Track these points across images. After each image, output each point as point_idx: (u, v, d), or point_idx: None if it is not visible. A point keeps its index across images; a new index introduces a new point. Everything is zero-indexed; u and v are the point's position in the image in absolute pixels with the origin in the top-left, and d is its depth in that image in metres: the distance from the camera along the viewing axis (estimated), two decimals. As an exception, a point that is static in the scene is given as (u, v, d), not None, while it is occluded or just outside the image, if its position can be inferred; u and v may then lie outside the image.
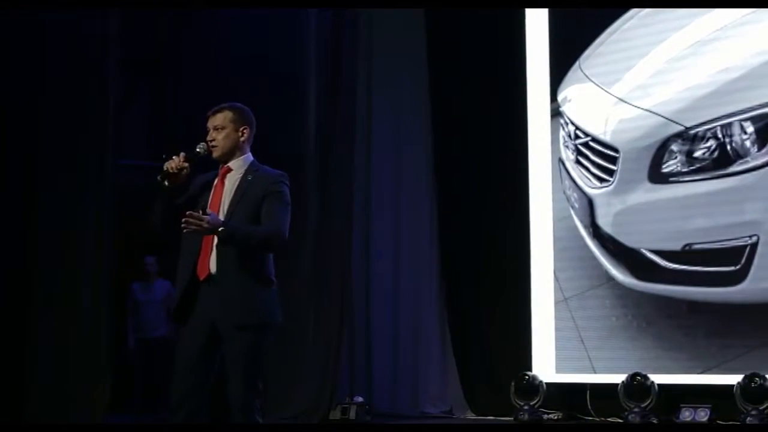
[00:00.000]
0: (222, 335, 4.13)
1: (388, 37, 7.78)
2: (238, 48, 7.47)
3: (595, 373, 6.93)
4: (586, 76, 7.06)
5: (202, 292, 4.20)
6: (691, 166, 6.59)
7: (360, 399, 7.43)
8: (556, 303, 7.13)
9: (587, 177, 7.01)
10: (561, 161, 7.18)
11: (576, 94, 7.13)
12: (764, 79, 6.37)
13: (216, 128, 4.38)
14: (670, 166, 6.65)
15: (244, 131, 4.38)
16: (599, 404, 6.86)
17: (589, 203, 7.01)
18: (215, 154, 4.33)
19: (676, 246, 6.64)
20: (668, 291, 6.69)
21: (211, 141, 4.34)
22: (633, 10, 6.94)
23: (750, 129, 6.39)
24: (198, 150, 4.29)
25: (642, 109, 6.76)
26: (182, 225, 4.04)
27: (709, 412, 6.37)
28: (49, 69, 6.61)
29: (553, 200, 7.22)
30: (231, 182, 4.33)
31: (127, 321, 7.70)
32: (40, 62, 6.59)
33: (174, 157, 4.23)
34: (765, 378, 6.15)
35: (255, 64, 7.41)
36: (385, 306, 7.74)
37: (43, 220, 6.55)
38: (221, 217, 4.20)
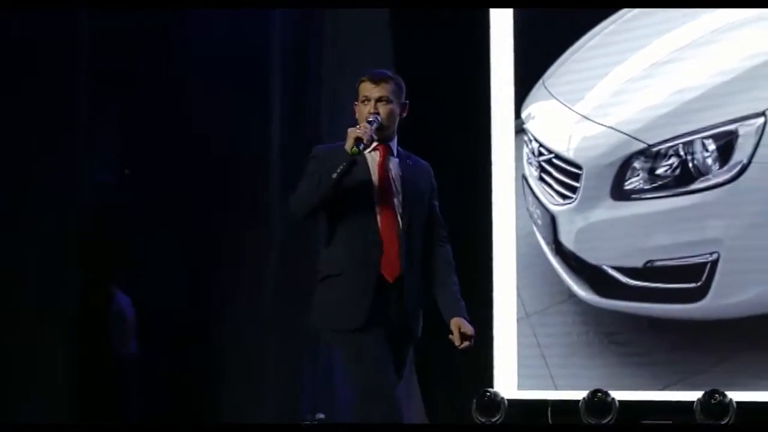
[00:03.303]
0: (399, 339, 4.01)
1: (356, 44, 7.70)
2: (204, 51, 7.38)
3: (556, 389, 6.94)
4: (550, 93, 7.10)
5: (389, 296, 3.95)
6: (654, 183, 6.63)
7: (322, 416, 7.38)
8: (519, 320, 7.13)
9: (550, 194, 7.04)
10: (524, 178, 7.20)
11: (540, 111, 7.17)
12: (725, 98, 6.43)
13: (381, 100, 4.03)
14: (633, 183, 6.69)
15: (405, 107, 4.09)
16: (561, 420, 6.86)
17: (552, 220, 7.03)
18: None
19: (638, 263, 6.67)
20: (630, 308, 6.72)
21: (374, 113, 3.99)
22: (597, 28, 6.98)
23: (711, 147, 6.44)
24: (379, 121, 3.98)
25: (605, 126, 6.80)
26: None
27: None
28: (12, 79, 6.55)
29: (517, 217, 7.23)
30: (394, 167, 4.05)
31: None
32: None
33: (362, 125, 3.96)
34: (725, 394, 6.18)
35: (221, 68, 7.33)
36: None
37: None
38: (401, 208, 4.00)
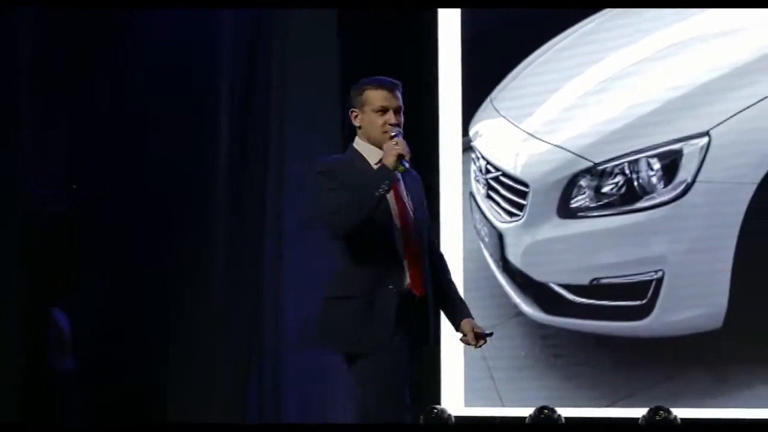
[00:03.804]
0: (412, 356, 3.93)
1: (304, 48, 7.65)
2: (151, 56, 7.31)
3: (503, 406, 6.95)
4: (498, 112, 7.14)
5: (412, 314, 3.89)
6: (599, 201, 6.68)
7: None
8: (466, 337, 7.13)
9: (497, 211, 7.07)
10: (472, 195, 7.23)
11: (487, 129, 7.20)
12: (675, 113, 6.49)
13: (399, 110, 3.96)
14: (579, 201, 6.74)
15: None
16: (507, 437, 6.89)
17: (499, 237, 7.05)
18: None
19: (584, 280, 6.71)
20: (576, 325, 6.75)
21: (395, 125, 3.90)
22: (548, 44, 7.02)
23: (656, 166, 6.50)
24: (399, 134, 3.90)
25: (552, 144, 6.85)
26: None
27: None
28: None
29: (464, 234, 7.25)
30: (401, 182, 4.01)
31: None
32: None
33: (399, 141, 3.86)
34: (669, 411, 6.22)
35: (167, 72, 7.27)
36: (294, 334, 7.63)
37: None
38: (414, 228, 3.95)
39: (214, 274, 7.31)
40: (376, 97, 4.01)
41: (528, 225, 6.92)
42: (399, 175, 3.93)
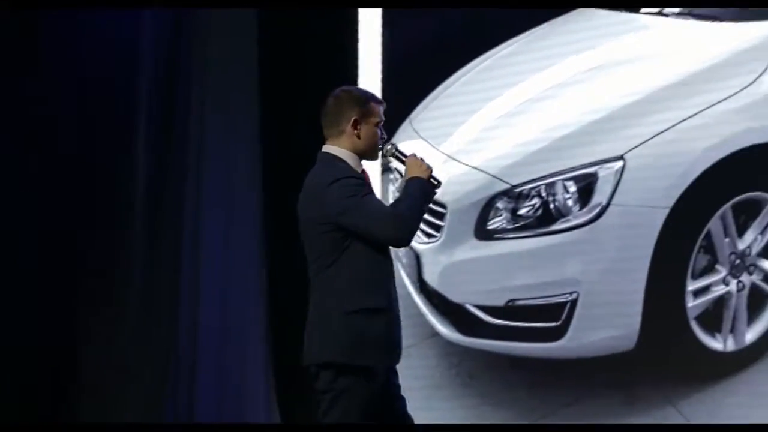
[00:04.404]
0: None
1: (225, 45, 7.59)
2: (69, 51, 7.20)
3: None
4: (417, 133, 7.17)
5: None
6: (516, 223, 6.73)
7: None
8: (382, 357, 7.14)
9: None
10: (390, 216, 7.22)
11: (406, 150, 7.18)
12: (591, 136, 6.58)
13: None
14: (496, 223, 6.78)
15: None
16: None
17: (417, 258, 7.07)
18: None
19: (500, 302, 6.75)
20: (492, 346, 6.79)
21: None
22: (470, 65, 7.08)
23: (572, 188, 6.57)
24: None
25: (470, 166, 6.89)
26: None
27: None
28: None
29: (382, 255, 7.25)
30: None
31: None
32: None
33: (423, 161, 4.33)
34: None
35: (85, 68, 7.18)
36: (212, 341, 7.52)
37: None
38: None
39: (131, 278, 7.21)
40: (378, 111, 4.32)
41: (445, 246, 6.94)
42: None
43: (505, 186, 6.75)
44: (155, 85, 7.41)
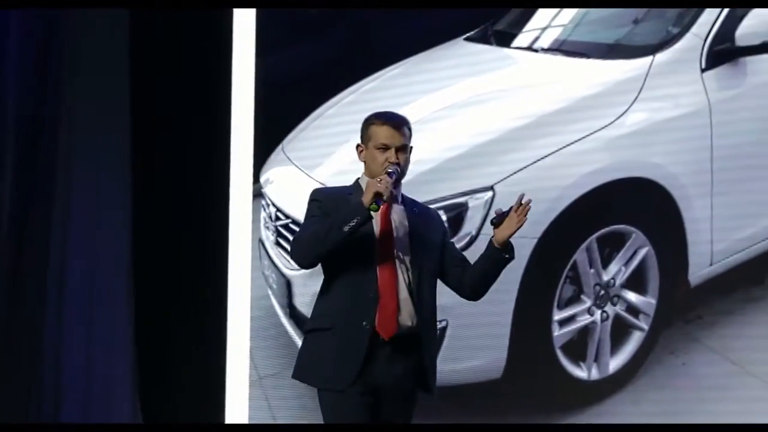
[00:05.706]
0: (385, 400, 3.83)
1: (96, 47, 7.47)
2: None
3: (289, 454, 6.95)
4: (289, 159, 7.17)
5: (381, 355, 3.79)
6: (391, 252, 6.76)
7: None
8: (251, 383, 7.11)
9: (286, 258, 7.07)
10: (261, 242, 7.22)
11: (278, 176, 7.22)
12: (454, 172, 6.65)
13: (401, 149, 3.88)
14: (368, 250, 6.81)
15: (411, 151, 3.95)
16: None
17: (287, 285, 7.06)
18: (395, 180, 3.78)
19: (369, 328, 6.77)
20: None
21: (395, 164, 3.80)
22: (335, 98, 7.11)
23: (444, 218, 6.62)
24: (398, 173, 3.81)
25: (340, 194, 6.90)
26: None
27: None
28: None
29: (252, 280, 7.23)
30: (399, 217, 3.91)
31: None
32: None
33: (383, 178, 3.74)
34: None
35: None
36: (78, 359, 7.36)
37: None
38: (406, 262, 3.81)
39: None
40: (380, 133, 3.98)
41: (316, 273, 6.91)
42: (398, 209, 3.92)
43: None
44: (22, 88, 7.24)
